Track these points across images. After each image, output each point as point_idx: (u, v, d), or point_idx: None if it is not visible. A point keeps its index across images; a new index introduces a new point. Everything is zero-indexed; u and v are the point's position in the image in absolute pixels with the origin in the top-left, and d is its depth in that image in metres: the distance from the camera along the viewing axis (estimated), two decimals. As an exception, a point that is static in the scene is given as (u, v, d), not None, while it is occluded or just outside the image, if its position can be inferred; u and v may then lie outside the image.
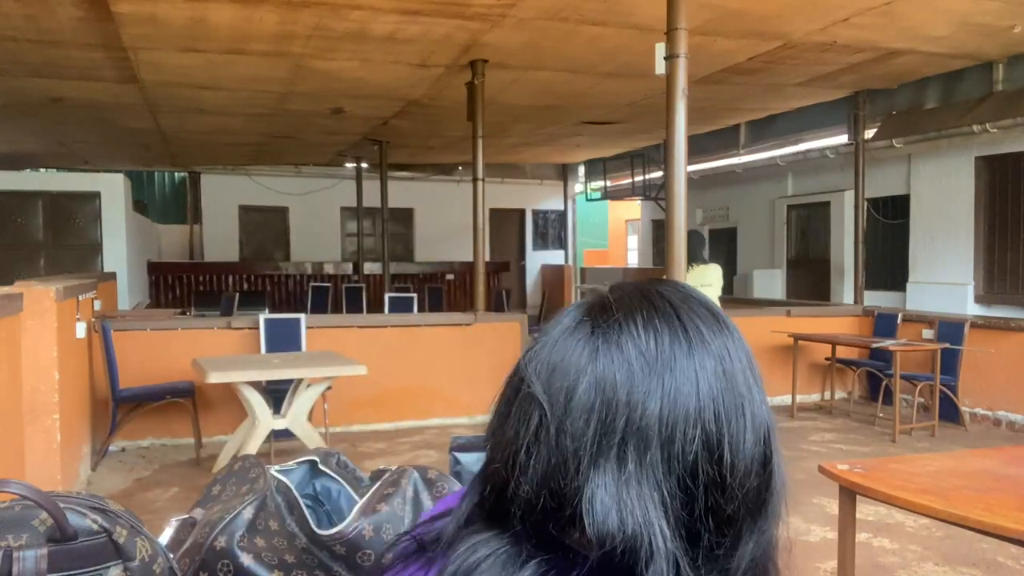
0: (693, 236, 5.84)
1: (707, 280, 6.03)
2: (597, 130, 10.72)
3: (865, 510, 4.09)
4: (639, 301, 0.61)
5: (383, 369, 6.32)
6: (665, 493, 0.55)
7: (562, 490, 0.56)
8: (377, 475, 1.22)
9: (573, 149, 13.18)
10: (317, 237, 14.97)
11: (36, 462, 3.95)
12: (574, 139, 11.76)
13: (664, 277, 5.78)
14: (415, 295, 10.30)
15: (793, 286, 10.66)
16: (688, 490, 0.55)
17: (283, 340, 6.21)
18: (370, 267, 13.66)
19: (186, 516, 1.12)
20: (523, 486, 0.57)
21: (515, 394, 0.60)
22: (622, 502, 0.55)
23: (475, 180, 7.13)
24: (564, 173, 16.25)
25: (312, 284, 13.37)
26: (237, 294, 11.08)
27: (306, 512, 1.11)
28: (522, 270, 16.55)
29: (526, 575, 0.56)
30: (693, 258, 5.83)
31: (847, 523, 2.60)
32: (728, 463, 0.56)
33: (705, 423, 0.56)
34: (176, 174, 15.39)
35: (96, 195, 9.98)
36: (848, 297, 9.12)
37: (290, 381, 5.28)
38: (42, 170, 13.29)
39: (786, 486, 0.61)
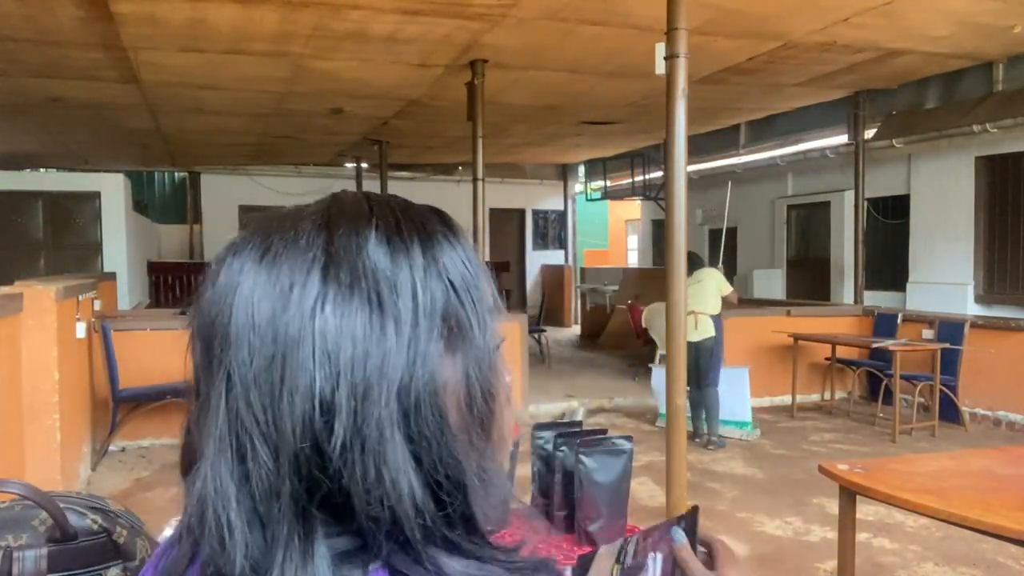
0: (692, 256, 5.82)
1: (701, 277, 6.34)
2: (597, 130, 10.71)
3: (865, 510, 4.09)
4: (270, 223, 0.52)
5: (383, 369, 6.30)
6: (251, 466, 0.45)
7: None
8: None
9: (573, 149, 13.17)
10: (317, 237, 14.93)
11: (36, 462, 3.95)
12: (574, 139, 11.75)
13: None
14: (415, 295, 10.28)
15: (793, 286, 10.66)
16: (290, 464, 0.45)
17: (283, 340, 6.20)
18: (370, 267, 13.64)
19: (186, 516, 1.12)
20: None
21: None
22: (205, 476, 0.46)
23: (475, 180, 7.13)
24: (564, 173, 16.24)
25: (312, 284, 13.31)
26: (237, 294, 11.05)
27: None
28: (522, 270, 16.54)
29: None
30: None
31: (847, 523, 2.60)
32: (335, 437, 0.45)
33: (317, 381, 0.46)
34: (176, 174, 15.38)
35: (96, 195, 9.98)
36: (848, 297, 9.12)
37: (290, 381, 5.27)
38: (42, 170, 13.28)
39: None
